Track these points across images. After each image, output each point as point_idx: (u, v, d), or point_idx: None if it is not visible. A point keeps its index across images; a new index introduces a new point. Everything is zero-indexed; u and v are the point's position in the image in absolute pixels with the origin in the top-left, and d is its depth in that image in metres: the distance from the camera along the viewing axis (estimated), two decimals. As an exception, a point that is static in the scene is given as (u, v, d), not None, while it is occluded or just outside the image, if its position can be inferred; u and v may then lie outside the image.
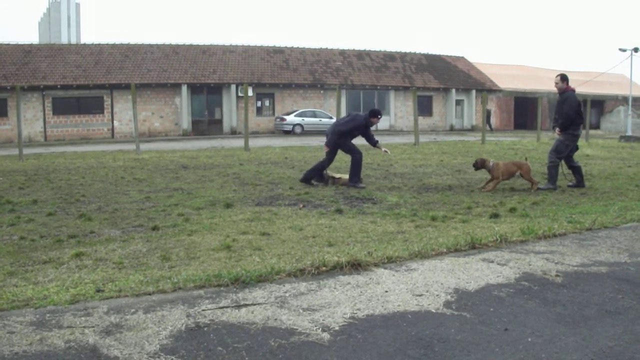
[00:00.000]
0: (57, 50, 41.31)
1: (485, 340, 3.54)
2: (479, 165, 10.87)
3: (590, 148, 22.27)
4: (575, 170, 11.05)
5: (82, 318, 3.86)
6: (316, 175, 11.56)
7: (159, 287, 4.49)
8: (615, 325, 3.78)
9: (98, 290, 4.46)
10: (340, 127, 11.55)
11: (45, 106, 37.33)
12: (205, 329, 3.68)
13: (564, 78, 10.91)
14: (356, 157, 11.25)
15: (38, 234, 7.00)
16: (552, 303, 4.21)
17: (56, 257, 5.79)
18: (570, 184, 11.03)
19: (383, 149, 11.84)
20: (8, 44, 40.36)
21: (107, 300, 4.23)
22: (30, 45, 41.21)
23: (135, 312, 3.96)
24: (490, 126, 46.62)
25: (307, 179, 11.46)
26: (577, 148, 11.32)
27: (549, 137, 26.47)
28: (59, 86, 37.18)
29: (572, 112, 10.65)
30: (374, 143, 11.71)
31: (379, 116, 11.71)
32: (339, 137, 11.45)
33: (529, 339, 3.54)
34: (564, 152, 10.84)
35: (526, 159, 11.61)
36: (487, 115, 47.75)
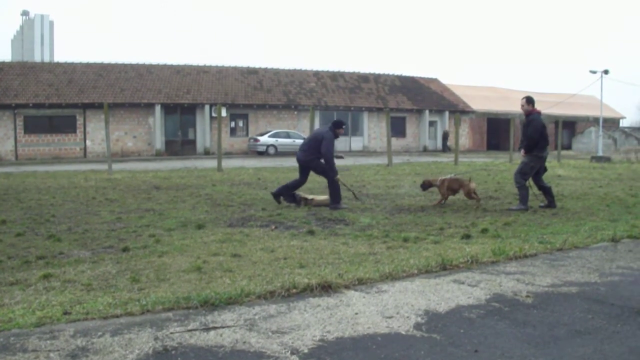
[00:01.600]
0: (30, 68, 41.01)
1: (455, 362, 3.53)
2: (427, 185, 11.33)
3: (562, 168, 22.55)
4: (546, 191, 11.15)
5: (48, 341, 3.78)
6: (286, 193, 11.51)
7: (127, 310, 4.42)
8: (584, 346, 3.80)
9: (65, 313, 4.38)
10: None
11: (16, 125, 36.93)
12: (173, 352, 3.63)
13: (529, 101, 11.06)
14: (332, 177, 11.23)
15: (6, 255, 6.89)
16: (522, 324, 4.23)
17: (24, 279, 5.69)
18: (542, 204, 11.13)
19: None
20: (-21, 62, 40.00)
21: (74, 323, 4.16)
22: (2, 63, 40.87)
23: (102, 335, 3.89)
24: (447, 148, 47.10)
25: (277, 195, 11.44)
26: (545, 169, 11.42)
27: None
28: (31, 104, 36.85)
29: (536, 134, 10.77)
30: None
31: (343, 126, 11.76)
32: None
33: (499, 361, 3.54)
34: (529, 173, 10.96)
35: (470, 179, 11.61)
36: (445, 136, 48.24)
